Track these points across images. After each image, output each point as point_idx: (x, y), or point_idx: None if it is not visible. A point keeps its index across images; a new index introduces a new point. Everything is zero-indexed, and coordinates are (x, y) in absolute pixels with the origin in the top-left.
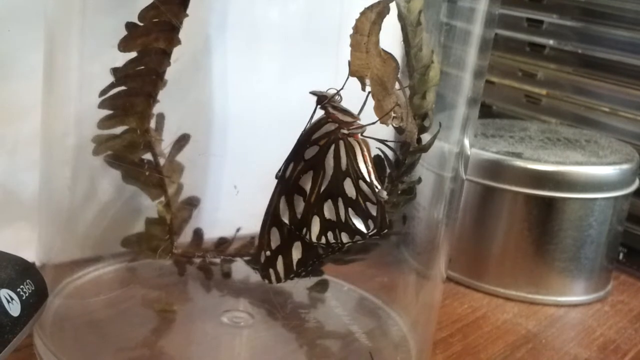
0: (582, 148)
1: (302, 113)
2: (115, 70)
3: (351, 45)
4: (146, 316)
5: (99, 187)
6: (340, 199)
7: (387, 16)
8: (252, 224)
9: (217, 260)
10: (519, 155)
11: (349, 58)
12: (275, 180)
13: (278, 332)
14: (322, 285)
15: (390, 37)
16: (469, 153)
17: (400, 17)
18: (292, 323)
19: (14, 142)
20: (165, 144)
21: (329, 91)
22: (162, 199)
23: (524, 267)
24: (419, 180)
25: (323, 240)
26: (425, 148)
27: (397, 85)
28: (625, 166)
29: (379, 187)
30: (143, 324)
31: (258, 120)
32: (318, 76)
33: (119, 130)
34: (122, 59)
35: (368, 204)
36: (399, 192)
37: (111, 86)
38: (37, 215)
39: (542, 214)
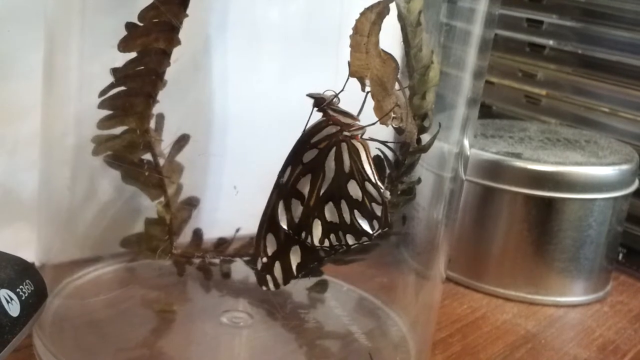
0: (582, 148)
1: (302, 113)
2: (115, 71)
3: (351, 45)
4: (146, 316)
5: (99, 187)
6: (343, 201)
7: (387, 17)
8: (251, 224)
9: (217, 260)
10: (518, 156)
11: (348, 58)
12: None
13: (277, 333)
14: (322, 286)
15: (390, 38)
16: (468, 153)
17: (400, 17)
18: (291, 323)
19: (13, 142)
20: (165, 144)
21: (326, 93)
22: (162, 199)
23: (524, 268)
24: (419, 180)
25: (326, 243)
26: (425, 148)
27: (396, 86)
28: (624, 167)
29: (383, 187)
30: (142, 324)
31: (258, 121)
32: (318, 76)
33: (118, 130)
34: (121, 59)
35: (373, 204)
36: (399, 192)
37: (111, 86)
38: (36, 215)
39: (542, 214)
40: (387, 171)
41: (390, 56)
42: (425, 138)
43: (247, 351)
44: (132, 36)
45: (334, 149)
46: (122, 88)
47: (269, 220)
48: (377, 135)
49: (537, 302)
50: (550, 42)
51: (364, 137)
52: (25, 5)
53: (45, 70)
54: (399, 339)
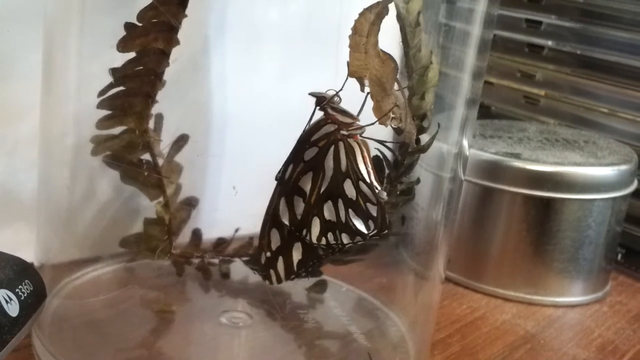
0: (581, 149)
1: (302, 113)
2: (114, 71)
3: (350, 46)
4: (145, 316)
5: (98, 187)
6: (340, 200)
7: (386, 17)
8: (250, 224)
9: (216, 260)
10: (517, 156)
11: (348, 59)
12: (275, 181)
13: (277, 333)
14: (321, 286)
15: (389, 38)
16: (467, 154)
17: (399, 18)
18: (290, 323)
19: (13, 142)
20: (164, 145)
21: (328, 92)
22: (161, 199)
23: (523, 268)
24: (418, 181)
25: (323, 241)
26: (424, 149)
27: (395, 86)
28: (623, 167)
29: (379, 188)
30: (142, 325)
31: (257, 121)
32: (317, 77)
33: (117, 130)
34: (120, 59)
35: (368, 204)
36: (398, 192)
37: (110, 86)
38: (35, 216)
39: (541, 214)
40: (386, 171)
41: (389, 56)
42: (425, 138)
43: (246, 351)
44: (131, 36)
45: (332, 148)
46: (121, 88)
47: (272, 216)
48: (376, 135)
49: (536, 303)
50: (549, 43)
51: (363, 136)
52: (25, 5)
53: (44, 70)
54: (398, 339)
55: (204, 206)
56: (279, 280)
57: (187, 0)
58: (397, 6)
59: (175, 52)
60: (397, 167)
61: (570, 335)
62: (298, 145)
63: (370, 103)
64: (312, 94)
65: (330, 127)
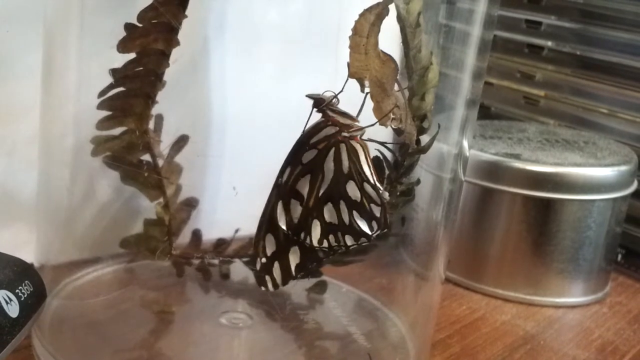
0: (581, 149)
1: (301, 114)
2: (114, 71)
3: (350, 46)
4: (145, 317)
5: (98, 188)
6: (342, 202)
7: (386, 18)
8: (250, 224)
9: (216, 261)
10: (517, 157)
11: (348, 59)
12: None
13: (277, 334)
14: (321, 287)
15: (389, 39)
16: (467, 154)
17: (399, 18)
18: (290, 324)
19: (12, 142)
20: (164, 145)
21: (325, 94)
22: (161, 200)
23: (523, 269)
24: (418, 181)
25: (325, 244)
26: (424, 149)
27: (396, 87)
28: (623, 168)
29: (382, 188)
30: (141, 325)
31: (257, 122)
32: (317, 77)
33: (117, 131)
34: (121, 59)
35: (372, 205)
36: (398, 193)
37: (110, 87)
38: (35, 216)
39: (541, 215)
40: (387, 172)
41: (390, 57)
42: (425, 139)
43: (246, 352)
44: (131, 37)
45: (332, 150)
46: (121, 89)
47: (268, 221)
48: (377, 136)
49: (536, 303)
50: (549, 43)
51: (363, 137)
52: (25, 5)
53: (44, 71)
54: (398, 339)
55: (204, 207)
56: (276, 286)
57: (187, 0)
58: (397, 7)
59: (175, 53)
60: (397, 167)
61: (570, 336)
62: (296, 147)
63: (370, 104)
64: (309, 96)
65: (330, 129)
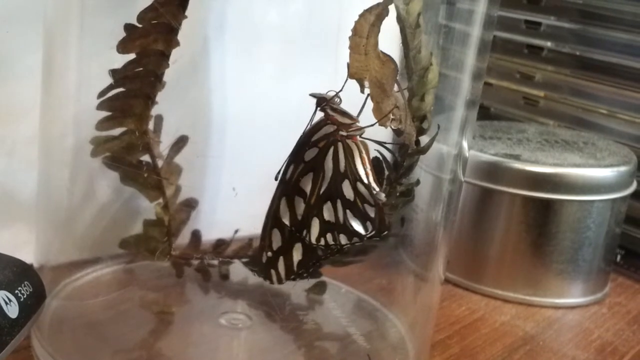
0: (580, 150)
1: (301, 114)
2: (113, 72)
3: (350, 47)
4: (144, 318)
5: (97, 188)
6: (338, 201)
7: (386, 18)
8: (250, 225)
9: (215, 261)
10: (517, 157)
11: (348, 60)
12: (274, 182)
13: (276, 334)
14: (320, 287)
15: (389, 40)
16: (467, 155)
17: (399, 19)
18: (290, 325)
19: (12, 142)
20: (164, 146)
21: (328, 93)
22: (160, 200)
23: (522, 269)
24: (418, 182)
25: (322, 241)
26: (424, 150)
27: (395, 88)
28: (622, 168)
29: (377, 189)
30: (141, 326)
31: (256, 122)
32: (317, 78)
33: (117, 131)
34: (120, 60)
35: (366, 205)
36: (398, 194)
37: (110, 88)
38: (35, 217)
39: (540, 216)
40: (386, 173)
41: (390, 58)
42: (424, 140)
43: (245, 353)
44: (131, 37)
45: (331, 149)
46: (121, 89)
47: (273, 217)
48: (376, 136)
49: (536, 304)
50: (549, 44)
51: (362, 138)
52: (25, 6)
53: (44, 71)
54: (398, 340)
55: (204, 207)
56: (280, 281)
57: (187, 1)
58: (397, 7)
59: (175, 54)
60: (397, 168)
61: (570, 336)
62: (298, 145)
63: (370, 104)
64: (312, 95)
65: (329, 128)
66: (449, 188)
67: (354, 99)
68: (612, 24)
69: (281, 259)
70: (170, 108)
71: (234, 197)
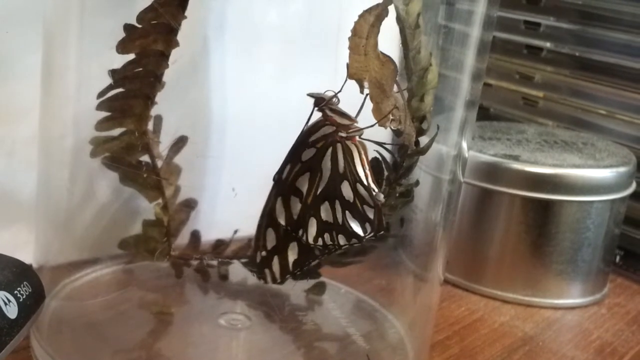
0: (579, 151)
1: (300, 115)
2: (113, 72)
3: (350, 47)
4: (143, 318)
5: (97, 188)
6: (337, 201)
7: (386, 19)
8: (249, 225)
9: (215, 262)
10: (516, 158)
11: (347, 60)
12: (273, 182)
13: (275, 335)
14: (320, 288)
15: (389, 40)
16: (466, 155)
17: (399, 19)
18: (289, 325)
19: (11, 143)
20: (163, 146)
21: (326, 93)
22: (160, 201)
23: (521, 270)
24: (417, 182)
25: (320, 241)
26: (423, 151)
27: (395, 88)
28: (622, 169)
29: (376, 190)
30: (140, 326)
31: (256, 122)
32: (316, 78)
33: (116, 132)
34: (120, 60)
35: (365, 206)
36: (397, 194)
37: (109, 88)
38: (34, 217)
39: (539, 216)
40: (386, 173)
41: (389, 58)
42: (424, 140)
43: (244, 353)
44: (130, 38)
45: (330, 149)
46: (121, 90)
47: (268, 216)
48: (376, 137)
49: (535, 305)
50: (548, 45)
51: (362, 138)
52: (24, 6)
53: (43, 72)
54: (397, 341)
55: (203, 208)
56: (274, 280)
57: (186, 1)
58: (396, 8)
59: (174, 54)
60: (397, 169)
61: (569, 337)
62: (296, 145)
63: (369, 105)
64: (310, 95)
65: (328, 129)
66: (448, 189)
67: (353, 100)
68: (611, 25)
69: (276, 258)
70: (169, 108)
71: (233, 197)
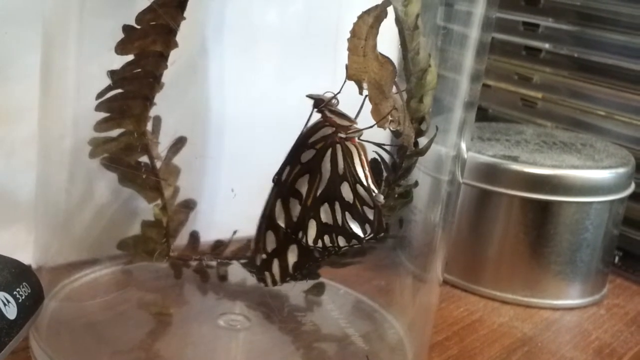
0: (578, 152)
1: (300, 116)
2: (112, 73)
3: (349, 48)
4: (142, 319)
5: (96, 189)
6: (337, 203)
7: (385, 20)
8: (248, 226)
9: (214, 263)
10: (515, 159)
11: (346, 61)
12: (272, 184)
13: (274, 335)
14: (319, 288)
15: (388, 41)
16: (465, 156)
17: (398, 21)
18: (288, 326)
19: (10, 143)
20: (162, 147)
21: (326, 94)
22: (159, 201)
23: (520, 271)
24: (416, 183)
25: (319, 243)
26: (422, 152)
27: (394, 89)
28: (620, 170)
29: (376, 191)
30: (139, 327)
31: (255, 123)
32: (315, 79)
33: (115, 132)
34: (119, 61)
35: (365, 208)
36: (396, 195)
37: (108, 89)
38: (33, 218)
39: (538, 217)
40: (385, 174)
41: (388, 59)
42: (423, 141)
43: (244, 354)
44: (129, 39)
45: (329, 151)
46: (119, 90)
47: (268, 218)
48: (375, 138)
49: (534, 305)
50: (547, 46)
51: (361, 139)
52: (24, 7)
53: (42, 72)
54: (396, 342)
55: (202, 208)
56: (274, 283)
57: (185, 2)
58: (395, 9)
59: (173, 55)
60: (396, 170)
61: (568, 338)
62: (295, 146)
63: (368, 106)
64: (309, 96)
65: (327, 130)
66: (447, 189)
67: (352, 101)
68: (610, 26)
69: (276, 261)
70: (168, 109)
71: (232, 198)
